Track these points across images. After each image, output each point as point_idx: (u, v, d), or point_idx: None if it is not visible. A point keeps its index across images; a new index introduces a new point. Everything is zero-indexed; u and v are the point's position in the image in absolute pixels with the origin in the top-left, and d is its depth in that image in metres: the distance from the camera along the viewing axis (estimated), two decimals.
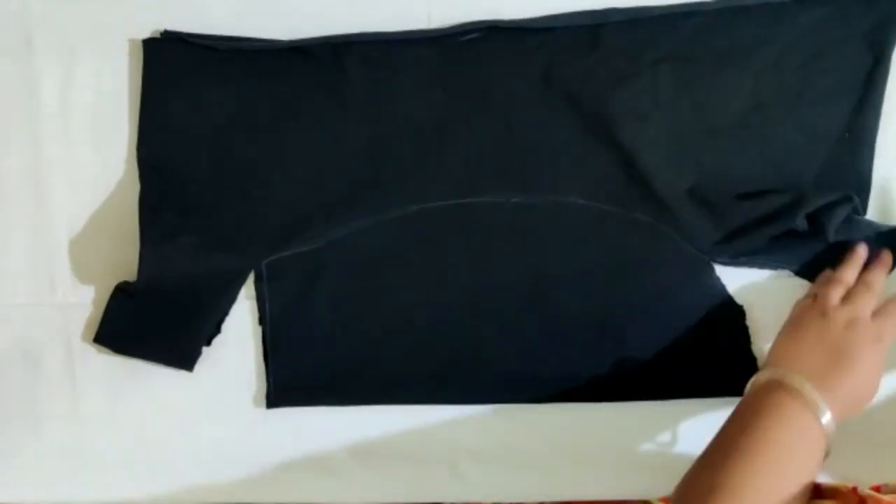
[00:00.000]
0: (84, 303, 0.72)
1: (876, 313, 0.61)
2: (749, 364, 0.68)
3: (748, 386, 0.61)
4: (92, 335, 0.71)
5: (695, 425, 0.70)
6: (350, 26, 0.70)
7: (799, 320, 0.62)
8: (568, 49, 0.69)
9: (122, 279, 0.71)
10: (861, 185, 0.67)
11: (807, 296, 0.65)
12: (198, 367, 0.70)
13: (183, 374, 0.70)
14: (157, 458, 0.72)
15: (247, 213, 0.70)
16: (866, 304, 0.61)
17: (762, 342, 0.68)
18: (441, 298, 0.70)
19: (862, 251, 0.65)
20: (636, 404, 0.70)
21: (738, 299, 0.69)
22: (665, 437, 0.70)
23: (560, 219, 0.69)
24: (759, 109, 0.67)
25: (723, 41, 0.68)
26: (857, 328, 0.59)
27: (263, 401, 0.71)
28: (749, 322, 0.69)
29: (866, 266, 0.65)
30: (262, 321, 0.71)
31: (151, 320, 0.70)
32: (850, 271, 0.64)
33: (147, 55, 0.70)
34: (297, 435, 0.72)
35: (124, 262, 0.71)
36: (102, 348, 0.71)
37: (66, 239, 0.72)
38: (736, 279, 0.69)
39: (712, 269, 0.69)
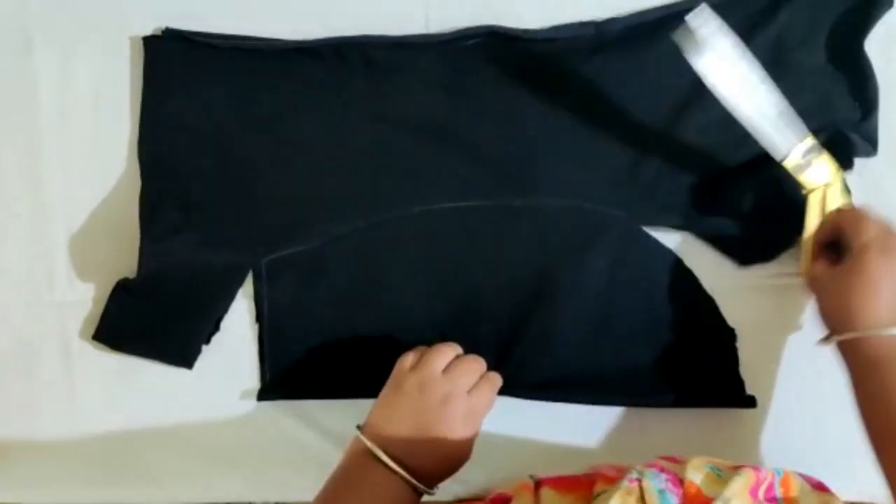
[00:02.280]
0: (82, 301, 0.72)
1: (471, 389, 0.61)
2: (734, 385, 0.68)
3: (349, 447, 0.61)
4: (90, 333, 0.71)
5: (689, 433, 0.70)
6: (348, 25, 0.70)
7: (398, 386, 0.62)
8: (569, 55, 0.69)
9: (119, 277, 0.71)
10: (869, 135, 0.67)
11: (412, 351, 0.64)
12: (196, 365, 0.70)
13: (181, 372, 0.70)
14: (156, 457, 0.72)
15: (247, 212, 0.70)
16: (465, 378, 0.61)
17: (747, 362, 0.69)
18: (440, 300, 0.70)
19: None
20: (633, 409, 0.70)
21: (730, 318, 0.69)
22: (659, 441, 0.70)
23: (561, 222, 0.69)
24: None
25: None
26: (450, 404, 0.60)
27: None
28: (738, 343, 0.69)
29: None
30: (259, 319, 0.71)
31: (151, 318, 0.70)
32: (453, 348, 0.64)
33: (148, 53, 0.71)
34: (296, 433, 0.72)
35: (122, 261, 0.71)
36: (101, 346, 0.71)
37: (64, 237, 0.72)
38: (733, 299, 0.69)
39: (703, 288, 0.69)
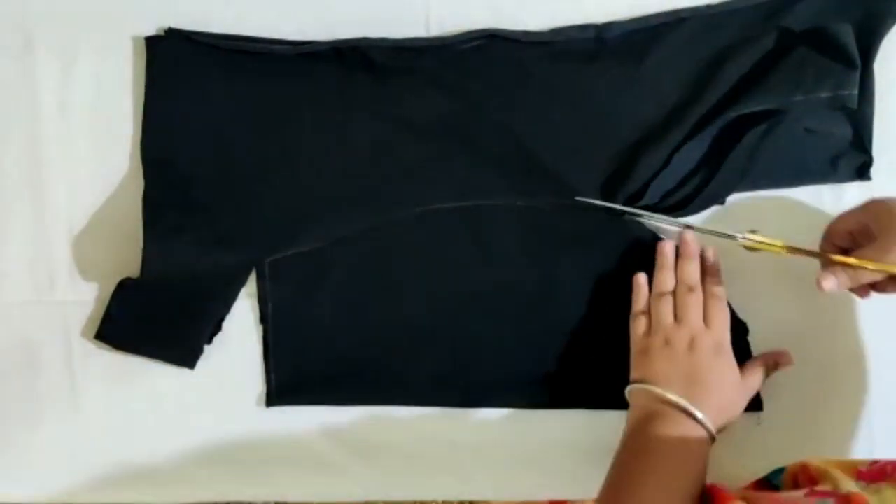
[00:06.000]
0: (83, 300, 0.72)
1: (706, 319, 0.64)
2: None
3: (634, 413, 0.63)
4: (91, 333, 0.71)
5: None
6: (349, 25, 0.70)
7: (645, 352, 0.64)
8: (568, 58, 0.69)
9: (121, 277, 0.70)
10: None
11: (636, 315, 0.66)
12: (198, 365, 0.70)
13: (183, 372, 0.70)
14: (157, 457, 0.72)
15: (250, 212, 0.70)
16: (695, 312, 0.64)
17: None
18: (443, 300, 0.70)
19: (667, 249, 0.67)
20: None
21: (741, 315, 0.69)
22: None
23: (562, 222, 0.70)
24: (761, 90, 0.66)
25: (719, 40, 0.68)
26: (697, 349, 0.63)
27: (264, 399, 0.71)
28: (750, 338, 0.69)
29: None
30: (263, 320, 0.71)
31: (153, 318, 0.70)
32: (667, 276, 0.66)
33: (150, 53, 0.70)
34: (298, 433, 0.72)
35: (124, 260, 0.71)
36: (102, 346, 0.71)
37: (65, 237, 0.72)
38: (738, 296, 0.69)
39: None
